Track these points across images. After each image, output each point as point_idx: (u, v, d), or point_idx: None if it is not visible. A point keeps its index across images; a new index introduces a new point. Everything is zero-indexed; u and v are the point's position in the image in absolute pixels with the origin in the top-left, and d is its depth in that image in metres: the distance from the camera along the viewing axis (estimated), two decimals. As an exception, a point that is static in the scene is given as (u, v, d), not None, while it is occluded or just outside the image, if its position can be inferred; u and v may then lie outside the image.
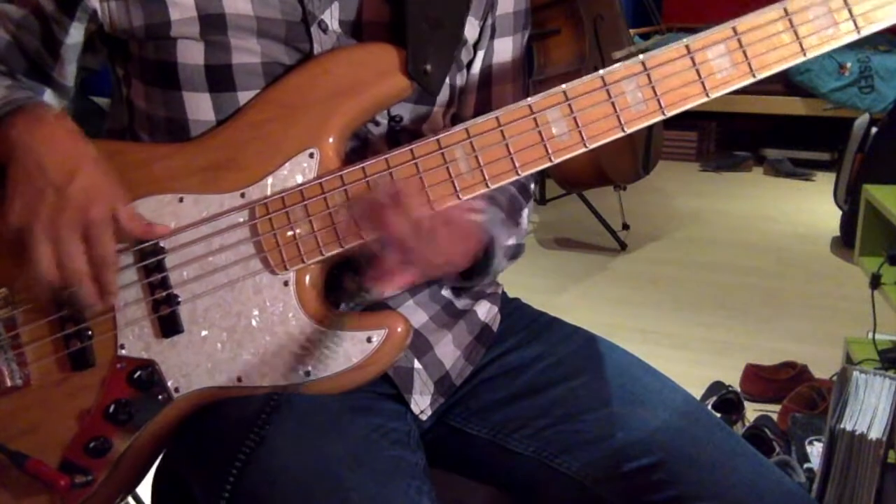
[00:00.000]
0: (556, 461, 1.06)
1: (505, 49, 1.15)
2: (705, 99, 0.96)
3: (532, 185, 1.24)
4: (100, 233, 0.95)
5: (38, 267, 0.95)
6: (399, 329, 0.99)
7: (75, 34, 1.06)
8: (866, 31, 0.94)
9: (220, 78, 1.02)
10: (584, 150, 0.97)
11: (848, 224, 3.69)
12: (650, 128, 3.75)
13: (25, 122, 0.97)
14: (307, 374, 0.98)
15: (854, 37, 0.94)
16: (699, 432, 1.04)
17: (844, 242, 3.79)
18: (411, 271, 0.96)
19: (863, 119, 3.85)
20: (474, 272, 1.07)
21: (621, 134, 0.97)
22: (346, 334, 0.97)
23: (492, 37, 1.14)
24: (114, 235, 0.97)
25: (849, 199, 3.77)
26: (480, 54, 1.14)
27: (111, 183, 0.98)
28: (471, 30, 1.10)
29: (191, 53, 1.01)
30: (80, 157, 0.97)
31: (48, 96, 1.09)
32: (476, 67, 1.15)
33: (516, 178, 0.97)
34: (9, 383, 1.02)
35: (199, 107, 1.03)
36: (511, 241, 1.12)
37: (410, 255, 0.94)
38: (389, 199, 0.94)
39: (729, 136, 5.68)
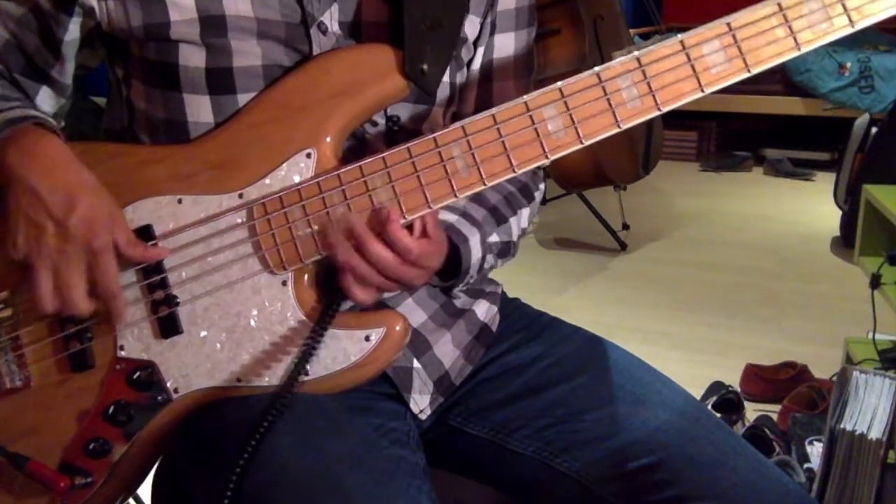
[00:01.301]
0: (556, 461, 1.06)
1: (506, 45, 1.15)
2: (701, 94, 0.96)
3: (540, 185, 1.23)
4: (103, 263, 0.97)
5: (37, 296, 0.97)
6: (397, 328, 0.99)
7: (73, 30, 1.05)
8: (860, 24, 0.93)
9: (220, 81, 1.02)
10: (580, 146, 0.97)
11: (848, 224, 3.69)
12: (650, 127, 3.75)
13: (19, 150, 0.98)
14: (306, 373, 0.98)
15: (848, 31, 0.94)
16: (699, 432, 1.04)
17: (844, 242, 3.78)
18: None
19: (863, 119, 3.85)
20: (449, 273, 1.07)
21: (617, 130, 0.97)
22: (345, 333, 0.97)
23: (492, 33, 1.14)
24: (116, 263, 0.98)
25: (849, 199, 3.77)
26: (480, 51, 1.14)
27: (110, 209, 0.98)
28: (471, 28, 1.10)
29: (192, 56, 1.01)
30: (77, 185, 0.97)
31: (45, 95, 1.09)
32: (476, 64, 1.15)
33: (513, 175, 0.97)
34: (8, 385, 1.02)
35: (200, 109, 1.03)
36: (494, 238, 1.12)
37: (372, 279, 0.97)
38: (345, 233, 0.96)
39: (729, 136, 5.68)
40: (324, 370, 0.97)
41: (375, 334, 0.98)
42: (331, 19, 1.03)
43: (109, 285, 0.97)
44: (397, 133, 1.07)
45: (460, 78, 1.13)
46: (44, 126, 1.01)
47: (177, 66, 1.02)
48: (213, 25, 1.00)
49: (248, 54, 1.01)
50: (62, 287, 0.96)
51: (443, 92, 1.10)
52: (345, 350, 0.98)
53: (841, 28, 0.94)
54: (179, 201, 1.01)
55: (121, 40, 1.05)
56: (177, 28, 1.00)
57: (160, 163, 1.02)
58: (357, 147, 1.06)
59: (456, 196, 0.97)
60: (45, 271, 0.96)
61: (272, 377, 0.99)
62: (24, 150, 0.98)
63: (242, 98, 1.02)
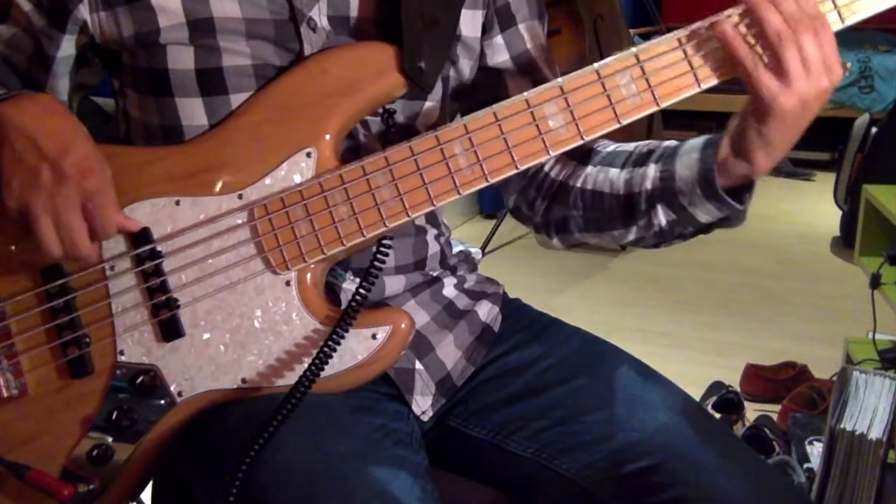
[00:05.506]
0: (555, 462, 1.06)
1: (535, 33, 1.16)
2: (698, 89, 0.97)
3: None
4: (100, 202, 0.95)
5: (41, 242, 0.94)
6: (403, 325, 0.99)
7: (67, 47, 1.06)
8: (850, 20, 0.95)
9: (211, 82, 1.02)
10: (581, 142, 0.97)
11: (848, 224, 3.70)
12: (650, 128, 3.75)
13: (14, 104, 0.97)
14: (318, 376, 0.97)
15: (838, 27, 0.95)
16: (698, 434, 1.04)
17: (844, 242, 3.79)
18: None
19: (863, 119, 3.85)
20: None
21: (617, 126, 0.98)
22: (351, 332, 0.97)
23: (514, 24, 1.14)
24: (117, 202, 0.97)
25: (849, 199, 3.77)
26: (501, 43, 1.14)
27: (102, 160, 0.97)
28: (473, 23, 1.10)
29: (181, 58, 1.01)
30: (71, 131, 0.97)
31: None
32: (502, 57, 1.14)
33: (516, 171, 0.97)
34: (5, 394, 1.00)
35: (193, 112, 1.03)
36: None
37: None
38: None
39: (728, 136, 5.67)
40: (330, 369, 0.97)
41: (382, 332, 0.98)
42: (320, 15, 1.03)
43: (107, 227, 0.96)
44: (392, 129, 1.06)
45: (454, 74, 1.13)
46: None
47: (167, 71, 1.02)
48: (202, 28, 1.00)
49: (237, 54, 1.01)
50: (63, 231, 0.94)
51: (436, 89, 1.09)
52: (351, 349, 0.98)
53: (831, 24, 0.94)
54: (177, 203, 1.01)
55: (114, 52, 1.05)
56: (166, 34, 1.00)
57: (156, 164, 1.02)
58: (353, 144, 1.05)
59: (459, 193, 0.98)
60: (43, 216, 0.94)
61: (278, 378, 0.99)
62: (20, 103, 0.98)
63: (235, 98, 1.02)
